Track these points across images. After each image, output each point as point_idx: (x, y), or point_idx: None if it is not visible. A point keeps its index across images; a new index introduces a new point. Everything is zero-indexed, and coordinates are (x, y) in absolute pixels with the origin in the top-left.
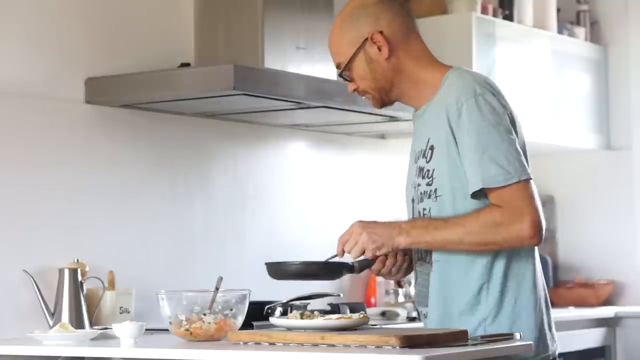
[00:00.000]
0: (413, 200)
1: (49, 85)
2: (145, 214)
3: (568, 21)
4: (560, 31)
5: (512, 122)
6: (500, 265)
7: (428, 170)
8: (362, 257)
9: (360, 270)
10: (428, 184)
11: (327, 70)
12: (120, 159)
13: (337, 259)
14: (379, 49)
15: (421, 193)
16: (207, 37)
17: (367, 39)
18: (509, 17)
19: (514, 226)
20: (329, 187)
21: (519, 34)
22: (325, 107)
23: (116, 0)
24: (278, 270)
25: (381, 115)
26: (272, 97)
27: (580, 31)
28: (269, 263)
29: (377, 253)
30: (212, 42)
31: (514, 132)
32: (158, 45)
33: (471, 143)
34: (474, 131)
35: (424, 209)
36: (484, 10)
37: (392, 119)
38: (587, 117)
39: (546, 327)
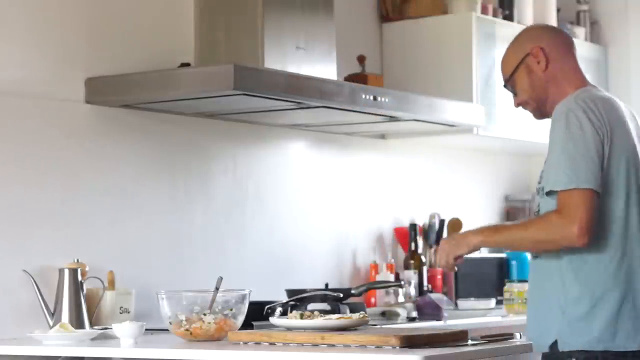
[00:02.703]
0: None
1: (49, 85)
2: (145, 213)
3: (568, 21)
4: None
5: (606, 135)
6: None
7: (542, 171)
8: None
9: (359, 295)
10: (539, 182)
11: (327, 70)
12: (120, 159)
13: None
14: (538, 62)
15: (537, 189)
16: (207, 37)
17: (528, 53)
18: (509, 17)
19: (565, 228)
20: (329, 187)
21: None
22: (325, 107)
23: (116, 0)
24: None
25: (381, 115)
26: (272, 97)
27: (580, 31)
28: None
29: (457, 253)
30: (212, 42)
31: (596, 147)
32: (158, 45)
33: (552, 151)
34: (555, 141)
35: (536, 204)
36: (484, 10)
37: (392, 119)
38: None
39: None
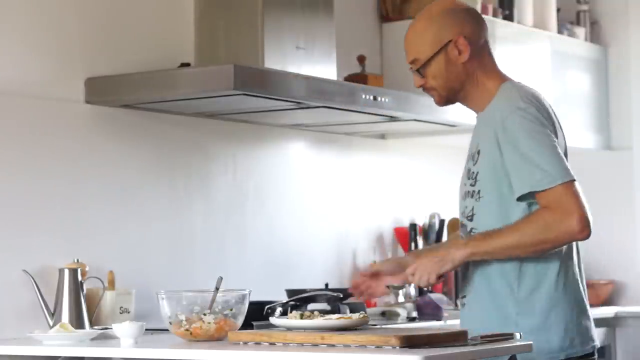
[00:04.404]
0: (461, 198)
1: (49, 85)
2: (145, 213)
3: (568, 21)
4: (560, 31)
5: (555, 132)
6: (530, 265)
7: (473, 172)
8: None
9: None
10: (472, 185)
11: (327, 70)
12: (120, 159)
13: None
14: (459, 52)
15: (465, 192)
16: (207, 37)
17: (450, 41)
18: (509, 17)
19: (564, 223)
20: (329, 188)
21: (519, 34)
22: (325, 107)
23: (116, 0)
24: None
25: (381, 115)
26: (272, 97)
27: (580, 31)
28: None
29: (441, 271)
30: (212, 42)
31: (555, 140)
32: (158, 45)
33: (516, 153)
34: (518, 142)
35: (466, 207)
36: (484, 10)
37: (393, 119)
38: (587, 117)
39: (575, 325)
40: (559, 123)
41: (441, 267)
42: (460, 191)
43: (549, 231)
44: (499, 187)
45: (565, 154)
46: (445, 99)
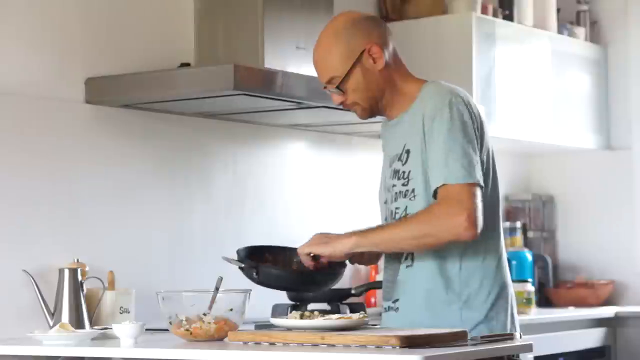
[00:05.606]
0: (386, 202)
1: (49, 85)
2: (145, 213)
3: (568, 21)
4: (560, 31)
5: (482, 134)
6: (469, 261)
7: (404, 172)
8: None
9: (359, 295)
10: (404, 185)
11: None
12: (120, 159)
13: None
14: (374, 60)
15: (396, 193)
16: (207, 37)
17: (363, 51)
18: (509, 17)
19: (451, 217)
20: (329, 188)
21: (519, 34)
22: (325, 107)
23: (116, 0)
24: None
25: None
26: (272, 97)
27: (580, 31)
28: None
29: (317, 251)
30: (212, 42)
31: (477, 143)
32: (158, 45)
33: (439, 145)
34: (442, 135)
35: (397, 208)
36: (484, 10)
37: None
38: (587, 117)
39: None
40: (483, 123)
41: (319, 248)
42: (386, 195)
43: (434, 225)
44: (429, 184)
45: (493, 158)
46: (369, 111)
